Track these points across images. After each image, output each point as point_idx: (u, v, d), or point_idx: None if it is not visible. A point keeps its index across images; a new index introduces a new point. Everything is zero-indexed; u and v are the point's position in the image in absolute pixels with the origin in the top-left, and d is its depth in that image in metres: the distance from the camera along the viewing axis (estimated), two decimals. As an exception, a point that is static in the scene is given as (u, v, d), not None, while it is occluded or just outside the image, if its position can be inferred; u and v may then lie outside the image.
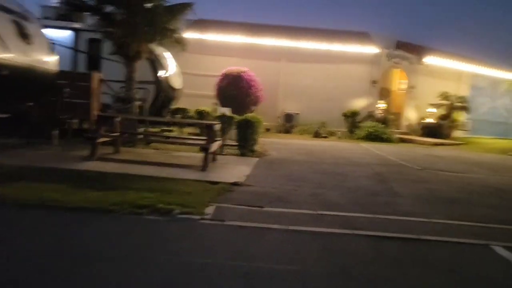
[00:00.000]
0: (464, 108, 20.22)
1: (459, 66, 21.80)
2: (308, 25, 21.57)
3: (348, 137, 17.85)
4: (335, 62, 19.31)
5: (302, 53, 19.04)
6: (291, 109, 18.87)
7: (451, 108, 20.16)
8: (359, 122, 18.23)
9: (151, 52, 10.87)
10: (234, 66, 17.22)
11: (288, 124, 18.59)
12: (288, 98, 19.06)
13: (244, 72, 16.76)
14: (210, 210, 5.03)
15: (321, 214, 5.27)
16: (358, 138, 17.23)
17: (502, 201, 6.88)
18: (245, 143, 10.10)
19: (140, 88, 10.77)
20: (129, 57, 9.76)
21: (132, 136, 9.59)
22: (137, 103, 10.35)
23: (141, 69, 10.63)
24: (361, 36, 20.64)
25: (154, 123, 11.62)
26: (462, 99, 20.22)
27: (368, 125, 17.48)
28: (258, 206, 5.42)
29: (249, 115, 10.64)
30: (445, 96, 20.21)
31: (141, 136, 10.08)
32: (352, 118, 18.42)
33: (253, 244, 4.04)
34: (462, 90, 21.93)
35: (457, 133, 20.73)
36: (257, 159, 9.61)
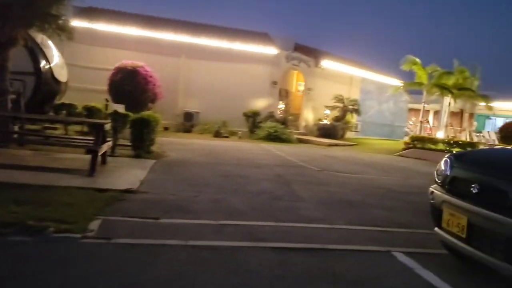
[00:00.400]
0: (356, 111, 21.48)
1: (350, 70, 23.14)
2: (209, 21, 21.09)
3: (248, 137, 17.79)
4: (236, 61, 19.13)
5: (203, 50, 18.51)
6: (191, 107, 18.23)
7: (344, 110, 21.28)
8: (260, 122, 18.28)
9: (29, 39, 9.47)
10: (129, 60, 16.05)
11: (188, 123, 17.93)
12: (189, 96, 18.40)
13: (140, 67, 15.72)
14: (95, 225, 4.29)
15: (223, 224, 4.84)
16: (258, 138, 17.24)
17: (394, 202, 7.13)
18: (141, 144, 9.30)
19: (15, 80, 9.33)
20: (0, 43, 8.34)
21: (3, 135, 8.21)
22: (11, 96, 8.92)
23: (18, 58, 9.21)
24: (261, 36, 20.77)
25: (34, 120, 10.19)
26: (354, 102, 21.47)
27: (268, 126, 17.59)
28: (154, 218, 4.80)
29: (145, 113, 9.86)
30: (339, 98, 21.26)
31: (16, 135, 8.70)
32: (253, 118, 18.41)
33: (146, 269, 3.43)
34: (353, 93, 23.33)
35: (349, 134, 21.96)
36: (154, 161, 8.88)
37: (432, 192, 4.25)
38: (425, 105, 23.84)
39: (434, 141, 16.41)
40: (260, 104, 19.40)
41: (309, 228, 5.04)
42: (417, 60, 21.66)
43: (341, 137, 20.58)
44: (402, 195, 7.78)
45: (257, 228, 4.83)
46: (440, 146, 16.13)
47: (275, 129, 17.47)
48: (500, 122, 30.42)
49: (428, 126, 23.48)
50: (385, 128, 26.60)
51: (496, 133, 22.20)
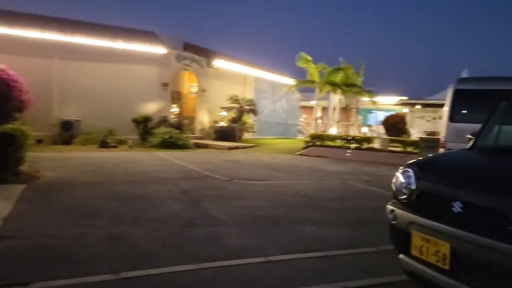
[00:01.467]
0: (253, 111, 20.96)
1: (244, 70, 22.57)
2: (85, 18, 18.68)
3: (140, 145, 16.05)
4: (121, 62, 17.18)
5: (80, 50, 16.19)
6: (70, 115, 15.81)
7: (241, 111, 20.60)
8: (152, 128, 16.63)
9: None
10: (-15, 62, 13.22)
11: (67, 133, 15.51)
12: (66, 102, 15.93)
13: (1, 70, 13.02)
14: None
15: (127, 278, 3.50)
16: (152, 146, 15.62)
17: (321, 212, 6.40)
18: (5, 165, 7.31)
19: None
20: None
21: None
22: None
23: None
24: (146, 35, 19.04)
25: None
26: (251, 102, 20.92)
27: (162, 131, 16.05)
28: (21, 284, 3.27)
29: (8, 126, 7.83)
30: (234, 99, 20.51)
31: None
32: (144, 124, 16.69)
33: None
34: (247, 93, 22.82)
35: (246, 135, 21.36)
36: (23, 186, 7.01)
37: (393, 211, 3.46)
38: (316, 102, 24.36)
39: (333, 138, 16.51)
40: (151, 108, 17.73)
41: (241, 266, 3.94)
42: (309, 57, 21.92)
43: (239, 139, 19.86)
44: (324, 202, 7.10)
45: (173, 276, 3.59)
46: (339, 143, 16.27)
47: (170, 134, 16.00)
48: (380, 116, 32.79)
49: (321, 122, 24.04)
50: (280, 127, 26.68)
51: (382, 126, 23.53)
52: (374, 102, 25.08)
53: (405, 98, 30.44)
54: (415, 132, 24.86)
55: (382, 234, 5.07)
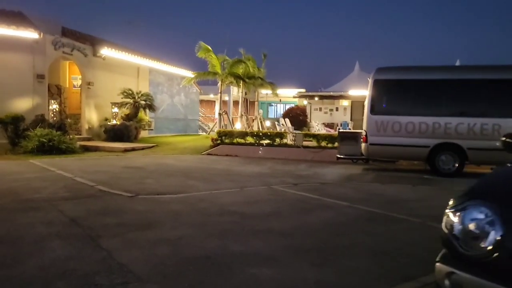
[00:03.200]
0: (149, 106, 18.68)
1: (137, 60, 20.08)
2: None
3: (10, 151, 12.94)
4: (-22, 48, 13.68)
5: None
6: None
7: (136, 107, 18.19)
8: (26, 129, 13.55)
9: None
10: None
11: None
12: None
13: None
14: None
15: None
16: (26, 152, 12.68)
17: (264, 240, 4.89)
18: None
19: None
20: None
21: None
22: None
23: None
24: (13, 16, 15.61)
25: None
26: (147, 96, 18.60)
27: (39, 133, 13.12)
28: None
29: None
30: (128, 93, 18.02)
31: None
32: (13, 125, 13.55)
33: None
34: (142, 86, 20.41)
35: (143, 134, 19.02)
36: None
37: (453, 275, 2.07)
38: (217, 95, 22.83)
39: (243, 134, 15.14)
40: (23, 105, 14.52)
41: None
42: (209, 47, 20.24)
43: (136, 139, 17.48)
44: (261, 222, 5.60)
45: None
46: (249, 139, 14.97)
47: (49, 137, 13.14)
48: (280, 109, 32.53)
49: (225, 117, 22.55)
50: (179, 123, 24.64)
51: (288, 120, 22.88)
52: (276, 95, 24.40)
53: (303, 90, 30.46)
54: (317, 125, 24.78)
55: (360, 271, 3.74)
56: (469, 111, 10.03)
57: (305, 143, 14.32)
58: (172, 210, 6.12)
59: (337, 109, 30.98)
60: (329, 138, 13.96)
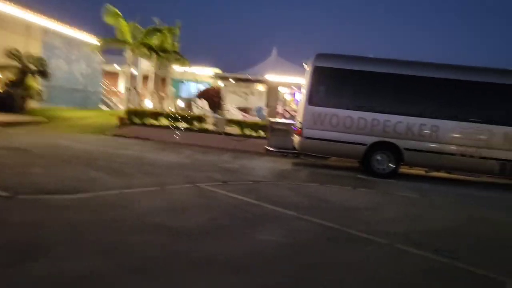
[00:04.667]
0: (41, 73, 15.70)
1: (27, 16, 16.72)
2: None
3: None
4: None
5: None
6: None
7: (24, 72, 15.13)
8: None
9: None
10: None
11: None
12: None
13: None
14: None
15: None
16: None
17: (206, 273, 3.46)
18: None
19: None
20: None
21: None
22: None
23: None
24: None
25: None
26: (40, 60, 15.57)
27: None
28: None
29: None
30: (14, 54, 14.87)
31: None
32: None
33: None
34: (33, 48, 17.15)
35: (32, 105, 15.99)
36: None
37: None
38: (125, 68, 20.31)
39: (156, 115, 13.23)
40: None
41: None
42: (119, 12, 17.63)
43: (22, 110, 14.55)
44: (201, 246, 4.12)
45: None
46: (164, 121, 13.14)
47: None
48: (193, 88, 30.57)
49: (135, 93, 20.10)
50: (77, 94, 21.56)
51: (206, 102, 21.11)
52: (192, 73, 22.55)
53: (219, 71, 28.85)
54: (233, 109, 23.50)
55: None
56: (409, 110, 9.49)
57: (227, 129, 12.95)
58: (69, 222, 4.35)
59: (252, 93, 30.01)
60: (254, 126, 12.74)
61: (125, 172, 7.34)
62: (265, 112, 28.04)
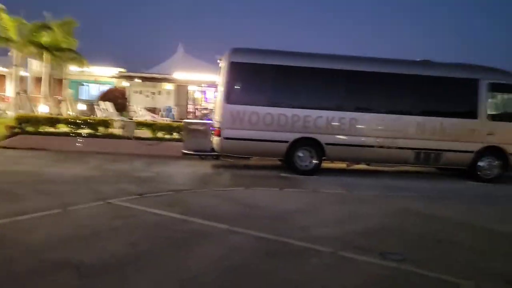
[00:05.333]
0: None
1: None
2: None
3: None
4: None
5: None
6: None
7: None
8: None
9: None
10: None
11: None
12: None
13: None
14: None
15: None
16: None
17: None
18: None
19: None
20: None
21: None
22: None
23: None
24: None
25: None
26: None
27: None
28: None
29: None
30: None
31: None
32: None
33: None
34: None
35: None
36: None
37: None
38: (12, 69, 17.92)
39: (54, 121, 11.64)
40: None
41: None
42: (1, 5, 15.37)
43: None
44: None
45: None
46: (63, 128, 11.64)
47: None
48: (94, 89, 28.22)
49: (25, 97, 17.75)
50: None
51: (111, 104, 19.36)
52: (92, 74, 20.67)
53: (123, 70, 26.96)
54: (140, 110, 22.12)
55: None
56: (328, 104, 9.36)
57: (137, 133, 11.87)
58: None
59: (159, 92, 28.61)
60: (167, 128, 11.82)
61: (17, 194, 6.10)
62: (175, 112, 26.92)
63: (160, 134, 11.81)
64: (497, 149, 9.36)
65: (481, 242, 5.02)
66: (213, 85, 27.66)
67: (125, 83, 27.16)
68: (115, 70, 26.29)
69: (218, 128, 9.16)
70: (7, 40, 15.96)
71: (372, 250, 4.43)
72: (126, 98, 25.59)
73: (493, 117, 9.48)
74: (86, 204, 5.69)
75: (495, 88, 9.52)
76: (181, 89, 28.63)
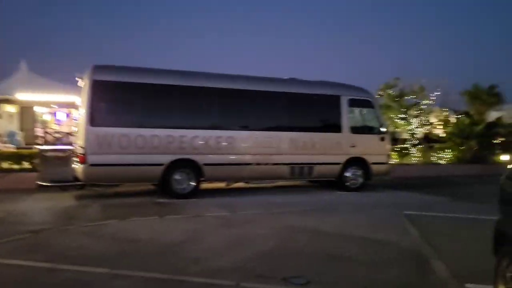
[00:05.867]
0: None
1: None
2: None
3: None
4: None
5: None
6: None
7: None
8: None
9: None
10: None
11: None
12: None
13: None
14: None
15: None
16: None
17: None
18: None
19: None
20: None
21: None
22: None
23: None
24: None
25: None
26: None
27: None
28: None
29: None
30: None
31: None
32: None
33: None
34: None
35: None
36: None
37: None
38: None
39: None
40: None
41: None
42: None
43: None
44: None
45: None
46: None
47: None
48: None
49: None
50: None
51: None
52: None
53: None
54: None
55: None
56: (203, 122, 9.05)
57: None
58: None
59: (0, 116, 24.80)
60: (15, 157, 10.07)
61: None
62: (20, 137, 23.61)
63: (6, 165, 10.00)
64: (360, 160, 10.21)
65: (370, 253, 5.18)
66: (65, 105, 25.25)
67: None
68: None
69: (82, 154, 8.06)
70: None
71: (275, 276, 4.19)
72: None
73: (354, 130, 10.33)
74: None
75: (354, 103, 10.42)
76: (27, 111, 25.30)
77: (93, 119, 8.14)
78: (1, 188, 9.23)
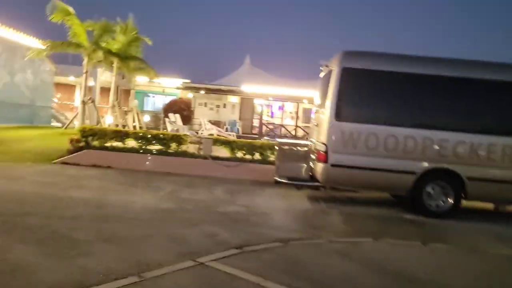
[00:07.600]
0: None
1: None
2: None
3: None
4: None
5: None
6: None
7: None
8: None
9: None
10: None
11: None
12: None
13: None
14: None
15: None
16: None
17: None
18: None
19: None
20: None
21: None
22: None
23: None
24: None
25: None
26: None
27: None
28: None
29: None
30: None
31: None
32: None
33: None
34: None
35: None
36: None
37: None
38: (81, 78, 17.09)
39: (122, 135, 10.19)
40: None
41: None
42: (70, 9, 14.48)
43: None
44: None
45: None
46: (131, 143, 10.17)
47: None
48: (159, 101, 27.39)
49: (93, 107, 16.85)
50: (22, 110, 18.07)
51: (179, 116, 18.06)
52: (158, 85, 19.60)
53: (188, 81, 25.87)
54: (206, 123, 20.62)
55: None
56: (472, 125, 7.01)
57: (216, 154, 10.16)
58: None
59: (224, 105, 27.25)
60: (249, 147, 9.99)
61: (76, 240, 4.41)
62: (239, 125, 25.39)
63: (240, 154, 10.00)
64: None
65: None
66: (280, 99, 26.10)
67: (189, 95, 26.06)
68: (180, 81, 25.26)
69: (324, 152, 7.11)
70: (77, 45, 15.06)
71: None
72: (191, 110, 24.42)
73: None
74: (169, 266, 3.85)
75: None
76: (247, 103, 27.10)
77: (340, 113, 7.07)
78: (234, 177, 9.18)
